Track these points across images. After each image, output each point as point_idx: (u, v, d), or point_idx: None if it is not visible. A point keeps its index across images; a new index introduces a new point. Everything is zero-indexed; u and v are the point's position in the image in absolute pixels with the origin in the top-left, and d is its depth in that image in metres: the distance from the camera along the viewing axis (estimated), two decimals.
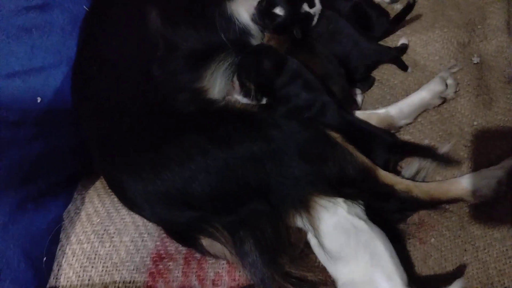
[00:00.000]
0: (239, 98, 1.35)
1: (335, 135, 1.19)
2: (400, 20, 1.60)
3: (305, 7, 1.45)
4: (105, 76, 1.27)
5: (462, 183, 1.24)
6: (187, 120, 1.19)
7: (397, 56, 1.52)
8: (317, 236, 1.12)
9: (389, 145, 1.30)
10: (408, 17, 1.63)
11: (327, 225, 1.13)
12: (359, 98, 1.51)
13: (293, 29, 1.43)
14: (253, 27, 1.43)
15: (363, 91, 1.54)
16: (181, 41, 1.29)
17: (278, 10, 1.41)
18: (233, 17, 1.37)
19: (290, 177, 1.12)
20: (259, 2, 1.42)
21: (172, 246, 1.26)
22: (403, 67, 1.51)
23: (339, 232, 1.12)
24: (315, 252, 1.15)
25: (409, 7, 1.54)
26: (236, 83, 1.33)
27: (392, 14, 1.64)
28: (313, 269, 1.16)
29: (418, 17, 1.64)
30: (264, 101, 1.37)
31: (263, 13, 1.42)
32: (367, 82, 1.53)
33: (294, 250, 1.16)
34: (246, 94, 1.34)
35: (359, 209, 1.15)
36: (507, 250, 1.17)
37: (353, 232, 1.11)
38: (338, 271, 1.10)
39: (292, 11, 1.42)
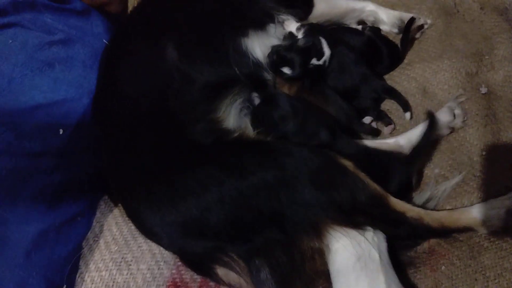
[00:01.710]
0: None
1: (347, 163, 1.21)
2: (406, 42, 1.65)
3: (314, 61, 1.48)
4: (123, 108, 1.32)
5: (472, 213, 1.26)
6: (202, 151, 1.22)
7: (400, 97, 1.55)
8: (328, 261, 1.15)
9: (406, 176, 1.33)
10: (416, 48, 1.68)
11: (338, 253, 1.15)
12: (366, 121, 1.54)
13: (303, 81, 1.48)
14: (265, 61, 1.47)
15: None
16: (196, 74, 1.33)
17: (286, 70, 1.45)
18: (247, 52, 1.41)
19: (303, 204, 1.13)
20: (269, 54, 1.46)
21: (187, 275, 1.29)
22: (406, 108, 1.53)
23: (349, 257, 1.14)
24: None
25: (410, 22, 1.61)
26: None
27: None
28: None
29: (426, 47, 1.68)
30: None
31: (272, 66, 1.46)
32: (379, 117, 1.56)
33: (310, 280, 1.18)
34: None
35: (380, 238, 1.17)
36: None
37: (363, 258, 1.13)
38: None
39: (301, 69, 1.46)
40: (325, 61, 1.50)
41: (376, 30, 1.71)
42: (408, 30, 1.66)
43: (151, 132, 1.27)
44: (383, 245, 1.17)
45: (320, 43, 1.50)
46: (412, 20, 1.65)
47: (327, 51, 1.50)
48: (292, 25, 1.55)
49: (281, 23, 1.51)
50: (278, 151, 1.19)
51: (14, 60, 1.29)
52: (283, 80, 1.49)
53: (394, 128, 1.51)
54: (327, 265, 1.18)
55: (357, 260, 1.12)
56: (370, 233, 1.15)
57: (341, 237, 1.14)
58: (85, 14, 1.48)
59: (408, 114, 1.52)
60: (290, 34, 1.53)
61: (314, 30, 1.56)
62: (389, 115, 1.56)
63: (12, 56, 1.30)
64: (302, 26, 1.55)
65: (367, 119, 1.55)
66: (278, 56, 1.45)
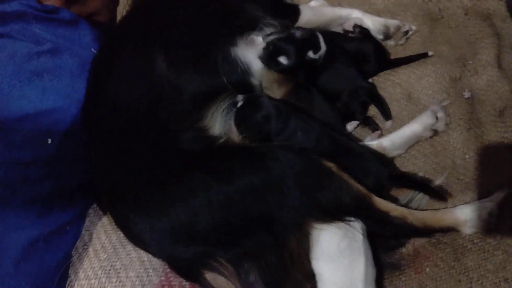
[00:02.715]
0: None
1: (330, 165, 1.23)
2: (400, 63, 1.68)
3: (310, 54, 1.50)
4: (113, 117, 1.33)
5: (455, 213, 1.30)
6: (190, 158, 1.24)
7: (383, 104, 1.58)
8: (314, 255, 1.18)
9: (384, 176, 1.35)
10: (401, 53, 1.71)
11: (321, 246, 1.18)
12: (349, 126, 1.57)
13: (298, 72, 1.50)
14: (255, 67, 1.49)
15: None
16: (185, 85, 1.34)
17: (283, 59, 1.46)
18: (236, 60, 1.42)
19: (290, 207, 1.16)
20: (266, 45, 1.48)
21: (176, 281, 1.30)
22: (387, 116, 1.56)
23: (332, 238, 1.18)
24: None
25: (423, 55, 1.65)
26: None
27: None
28: None
29: (411, 53, 1.71)
30: None
31: (268, 57, 1.47)
32: (366, 123, 1.58)
33: (298, 282, 1.20)
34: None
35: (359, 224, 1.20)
36: (500, 281, 1.22)
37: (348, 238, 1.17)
38: (322, 267, 1.17)
39: (297, 60, 1.48)
40: (320, 56, 1.52)
41: (365, 31, 1.74)
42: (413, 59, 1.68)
43: (139, 140, 1.29)
44: (364, 229, 1.21)
45: (317, 37, 1.52)
46: (423, 54, 1.68)
47: (323, 46, 1.52)
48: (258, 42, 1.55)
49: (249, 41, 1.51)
50: (264, 155, 1.21)
51: (3, 71, 1.30)
52: (277, 72, 1.51)
53: (381, 134, 1.53)
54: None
55: (341, 239, 1.17)
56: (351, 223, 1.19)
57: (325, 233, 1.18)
58: (73, 24, 1.48)
59: (389, 123, 1.54)
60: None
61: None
62: (374, 119, 1.58)
63: (0, 67, 1.31)
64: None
65: (353, 124, 1.57)
66: (274, 46, 1.46)
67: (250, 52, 1.48)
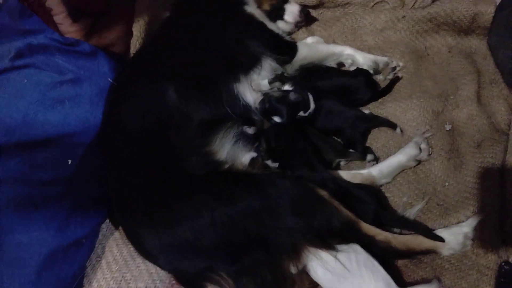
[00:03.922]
0: (269, 164, 1.55)
1: (323, 192, 1.36)
2: (386, 92, 1.83)
3: (301, 113, 1.63)
4: (127, 142, 1.46)
5: None
6: (196, 181, 1.36)
7: (384, 120, 1.73)
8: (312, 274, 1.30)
9: (373, 213, 1.46)
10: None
11: (315, 271, 1.30)
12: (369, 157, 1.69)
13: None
14: (254, 108, 1.63)
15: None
16: (193, 113, 1.48)
17: (276, 118, 1.60)
18: (238, 96, 1.57)
19: (285, 229, 1.28)
20: (261, 100, 1.60)
21: None
22: (393, 126, 1.71)
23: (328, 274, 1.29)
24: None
25: (396, 80, 1.80)
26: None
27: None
28: None
29: (398, 87, 1.86)
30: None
31: (264, 113, 1.61)
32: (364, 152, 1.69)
33: None
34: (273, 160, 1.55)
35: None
36: None
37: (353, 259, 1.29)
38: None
39: (288, 119, 1.61)
40: (309, 114, 1.66)
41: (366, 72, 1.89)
42: (392, 84, 1.85)
43: (151, 163, 1.42)
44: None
45: (308, 98, 1.65)
46: (396, 79, 1.85)
47: (312, 105, 1.66)
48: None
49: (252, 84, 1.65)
50: (264, 182, 1.34)
51: (29, 98, 1.43)
52: (271, 124, 1.65)
53: (376, 163, 1.67)
54: (307, 283, 1.33)
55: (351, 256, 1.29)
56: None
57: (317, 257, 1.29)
58: (92, 55, 1.62)
59: (398, 129, 1.69)
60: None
61: (301, 85, 1.72)
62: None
63: (26, 94, 1.44)
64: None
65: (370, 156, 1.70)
66: (270, 105, 1.60)
67: (250, 95, 1.62)
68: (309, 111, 1.64)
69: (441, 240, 1.41)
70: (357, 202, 1.45)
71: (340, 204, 1.36)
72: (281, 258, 1.28)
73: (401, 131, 1.70)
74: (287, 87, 1.67)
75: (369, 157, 1.67)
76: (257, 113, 1.61)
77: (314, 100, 1.66)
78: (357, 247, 1.32)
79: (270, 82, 1.66)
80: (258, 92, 1.62)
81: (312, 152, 1.55)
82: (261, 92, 1.63)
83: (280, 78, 1.71)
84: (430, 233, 1.44)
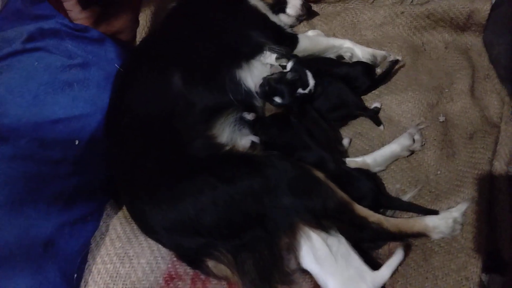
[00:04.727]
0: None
1: (319, 174, 1.42)
2: (382, 79, 1.90)
3: (300, 90, 1.70)
4: (133, 125, 1.52)
5: (425, 221, 1.48)
6: (200, 162, 1.43)
7: (373, 115, 1.80)
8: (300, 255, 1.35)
9: (372, 192, 1.53)
10: (386, 81, 1.92)
11: (307, 249, 1.36)
12: (345, 142, 1.77)
13: (292, 106, 1.71)
14: (255, 93, 1.70)
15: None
16: (197, 100, 1.54)
17: (277, 99, 1.67)
18: (240, 82, 1.63)
19: (282, 208, 1.34)
20: (261, 84, 1.67)
21: (181, 268, 1.47)
22: (378, 123, 1.78)
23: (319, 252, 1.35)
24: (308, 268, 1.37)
25: (393, 66, 1.86)
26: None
27: None
28: None
29: (394, 80, 1.93)
30: None
31: (265, 96, 1.68)
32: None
33: (285, 273, 1.36)
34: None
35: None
36: (461, 279, 1.39)
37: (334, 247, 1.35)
38: (328, 280, 1.34)
39: (289, 98, 1.68)
40: (310, 90, 1.73)
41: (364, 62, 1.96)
42: (390, 69, 1.91)
43: (155, 145, 1.48)
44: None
45: (305, 75, 1.73)
46: (395, 62, 1.90)
47: (311, 82, 1.73)
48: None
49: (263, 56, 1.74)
50: (263, 163, 1.40)
51: (39, 80, 1.49)
52: (274, 106, 1.72)
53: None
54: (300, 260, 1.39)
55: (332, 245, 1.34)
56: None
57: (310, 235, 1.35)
58: (100, 42, 1.69)
59: (382, 127, 1.77)
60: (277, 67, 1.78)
61: (300, 63, 1.79)
62: (361, 138, 1.80)
63: (37, 76, 1.50)
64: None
65: (347, 139, 1.79)
66: (269, 87, 1.67)
67: (251, 80, 1.69)
68: (309, 88, 1.71)
69: (436, 212, 1.49)
70: (356, 182, 1.51)
71: (335, 186, 1.42)
72: (278, 236, 1.33)
73: (383, 128, 1.79)
74: (290, 64, 1.74)
75: (345, 141, 1.77)
76: (258, 97, 1.67)
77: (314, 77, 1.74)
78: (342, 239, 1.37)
79: (277, 58, 1.75)
80: (259, 74, 1.70)
81: (308, 134, 1.61)
82: (269, 65, 1.72)
83: (285, 55, 1.79)
84: (424, 209, 1.52)
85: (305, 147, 1.57)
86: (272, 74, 1.72)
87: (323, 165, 1.53)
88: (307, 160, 1.53)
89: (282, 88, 1.66)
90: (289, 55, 1.80)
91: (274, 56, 1.76)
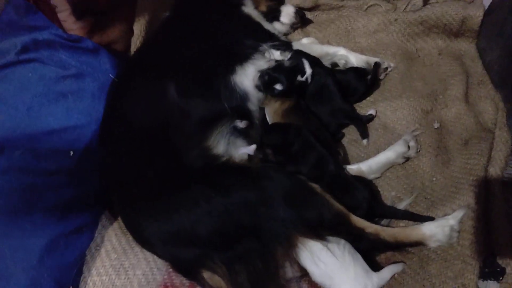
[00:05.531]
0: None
1: (315, 186, 1.42)
2: (373, 83, 1.90)
3: (299, 77, 1.75)
4: (128, 135, 1.52)
5: (422, 229, 1.48)
6: (195, 173, 1.42)
7: (362, 124, 1.80)
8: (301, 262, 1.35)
9: (367, 202, 1.52)
10: (381, 88, 1.93)
11: (306, 259, 1.36)
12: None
13: (292, 94, 1.74)
14: (251, 94, 1.71)
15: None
16: (193, 110, 1.54)
17: (278, 86, 1.71)
18: (235, 87, 1.64)
19: (278, 220, 1.33)
20: (261, 75, 1.70)
21: (177, 279, 1.46)
22: (364, 135, 1.77)
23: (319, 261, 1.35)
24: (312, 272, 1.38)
25: (377, 67, 1.89)
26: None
27: None
28: None
29: (389, 87, 1.93)
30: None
31: (265, 86, 1.71)
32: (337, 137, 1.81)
33: (281, 286, 1.35)
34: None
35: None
36: (458, 287, 1.40)
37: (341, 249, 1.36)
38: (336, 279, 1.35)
39: (289, 84, 1.72)
40: (307, 78, 1.77)
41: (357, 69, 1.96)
42: (375, 73, 1.92)
43: (150, 156, 1.47)
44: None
45: (302, 63, 1.78)
46: (377, 65, 1.91)
47: (308, 69, 1.77)
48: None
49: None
50: (259, 174, 1.40)
51: (33, 91, 1.49)
52: (275, 96, 1.75)
53: None
54: (298, 272, 1.39)
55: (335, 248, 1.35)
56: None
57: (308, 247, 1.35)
58: (94, 52, 1.68)
59: (365, 141, 1.77)
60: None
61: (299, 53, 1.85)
62: (356, 145, 1.80)
63: (31, 87, 1.50)
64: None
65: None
66: (269, 76, 1.71)
67: (247, 80, 1.70)
68: (306, 75, 1.76)
69: (432, 219, 1.50)
70: (353, 189, 1.51)
71: (331, 197, 1.42)
72: (274, 247, 1.33)
73: (367, 142, 1.78)
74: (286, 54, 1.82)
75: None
76: (257, 92, 1.70)
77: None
78: (342, 241, 1.38)
79: (281, 53, 1.84)
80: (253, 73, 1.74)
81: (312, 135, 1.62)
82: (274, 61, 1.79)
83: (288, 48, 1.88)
84: (420, 216, 1.52)
85: (308, 147, 1.57)
86: (268, 68, 1.76)
87: (324, 165, 1.54)
88: (309, 160, 1.54)
89: (280, 75, 1.72)
90: (290, 47, 1.87)
91: (278, 52, 1.82)
